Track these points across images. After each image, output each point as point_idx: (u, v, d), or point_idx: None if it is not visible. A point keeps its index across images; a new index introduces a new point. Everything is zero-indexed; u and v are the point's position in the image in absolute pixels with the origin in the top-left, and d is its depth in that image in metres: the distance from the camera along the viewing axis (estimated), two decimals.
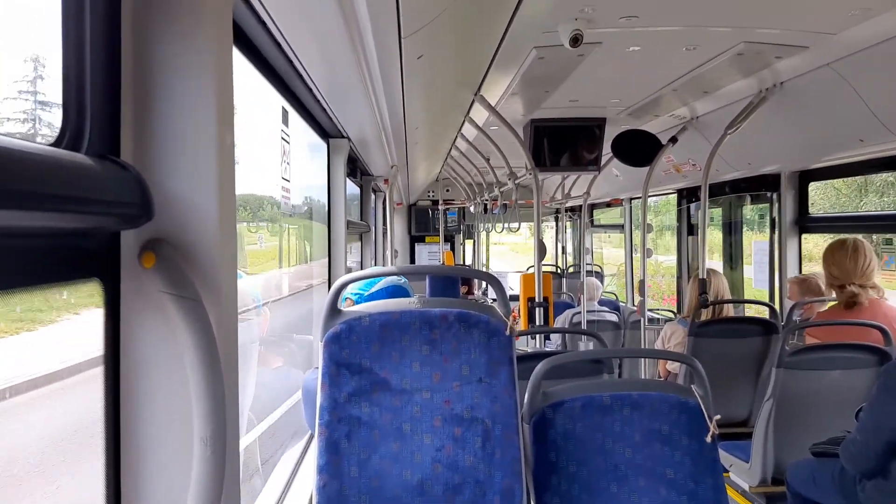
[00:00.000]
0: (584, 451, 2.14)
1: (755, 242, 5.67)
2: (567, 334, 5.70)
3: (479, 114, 4.36)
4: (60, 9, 0.97)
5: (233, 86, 1.21)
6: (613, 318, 6.87)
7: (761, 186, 5.19)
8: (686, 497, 2.12)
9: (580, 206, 7.80)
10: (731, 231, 6.23)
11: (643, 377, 5.19)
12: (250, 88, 2.34)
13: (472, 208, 10.26)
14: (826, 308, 3.94)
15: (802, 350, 3.43)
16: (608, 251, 11.21)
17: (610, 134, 4.80)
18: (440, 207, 10.68)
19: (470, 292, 8.52)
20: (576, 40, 2.59)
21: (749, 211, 6.11)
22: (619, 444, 2.15)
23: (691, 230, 6.63)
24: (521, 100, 4.12)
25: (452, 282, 7.28)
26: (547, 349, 4.58)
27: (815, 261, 5.67)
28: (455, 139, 5.80)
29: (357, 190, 5.58)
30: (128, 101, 1.07)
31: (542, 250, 4.38)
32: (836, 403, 3.27)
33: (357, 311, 2.08)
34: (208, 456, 1.03)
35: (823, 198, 7.33)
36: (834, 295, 3.72)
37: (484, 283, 9.14)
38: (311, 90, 2.70)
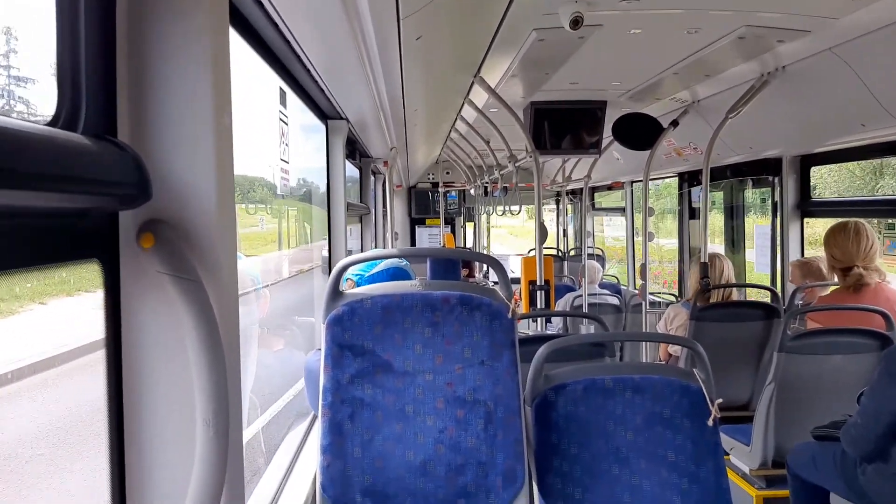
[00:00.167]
0: (586, 434, 2.15)
1: (757, 226, 5.66)
2: (568, 317, 5.71)
3: (479, 96, 4.33)
4: None
5: (230, 66, 1.20)
6: (615, 301, 6.88)
7: (763, 170, 5.17)
8: (687, 480, 2.12)
9: (581, 189, 7.78)
10: (733, 215, 6.21)
11: (645, 360, 5.21)
12: (247, 69, 2.32)
13: (472, 191, 10.23)
14: (828, 292, 3.93)
15: (804, 334, 3.43)
16: (610, 232, 11.19)
17: (611, 117, 4.78)
18: (440, 190, 10.65)
19: (471, 275, 8.52)
20: (576, 22, 2.57)
21: (751, 195, 6.09)
22: (620, 426, 2.16)
23: (693, 214, 6.61)
24: (521, 82, 4.09)
25: (454, 264, 7.28)
26: (548, 332, 4.58)
27: (821, 245, 5.65)
28: (455, 121, 5.77)
29: (356, 172, 5.56)
30: (124, 80, 1.06)
31: (543, 233, 4.37)
32: (837, 388, 3.27)
33: (359, 293, 2.08)
34: (211, 436, 1.03)
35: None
36: (836, 278, 3.72)
37: (485, 266, 9.15)
38: (308, 71, 2.68)
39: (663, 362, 4.54)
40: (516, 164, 5.70)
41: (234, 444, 1.09)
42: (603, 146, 5.06)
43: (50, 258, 0.96)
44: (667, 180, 7.67)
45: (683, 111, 4.69)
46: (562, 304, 6.63)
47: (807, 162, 4.87)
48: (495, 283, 2.18)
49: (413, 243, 11.00)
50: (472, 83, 3.93)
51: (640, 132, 4.77)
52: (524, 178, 7.32)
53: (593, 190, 9.74)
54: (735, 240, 6.22)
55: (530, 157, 4.38)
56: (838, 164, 5.24)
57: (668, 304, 6.14)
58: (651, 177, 5.07)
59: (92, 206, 0.99)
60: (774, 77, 3.58)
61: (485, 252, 10.55)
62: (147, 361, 1.10)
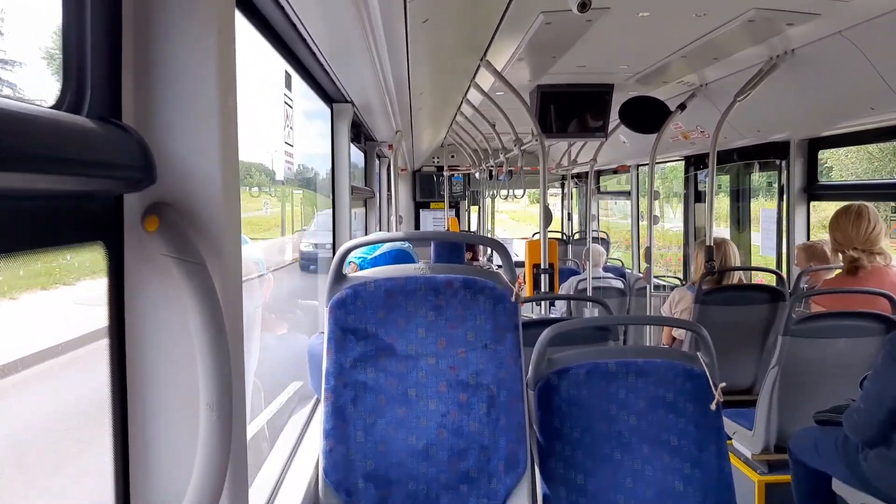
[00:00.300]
0: (589, 418, 2.15)
1: (763, 210, 5.64)
2: (572, 301, 5.71)
3: (485, 79, 4.31)
4: None
5: (235, 48, 1.19)
6: (619, 284, 6.87)
7: (770, 154, 5.15)
8: (689, 464, 2.13)
9: (586, 172, 7.75)
10: (739, 198, 6.19)
11: (648, 344, 5.21)
12: (251, 51, 2.31)
13: (477, 174, 10.22)
14: (833, 276, 3.93)
15: (809, 318, 3.42)
16: (611, 218, 11.16)
17: (618, 100, 4.75)
18: (445, 173, 10.63)
19: (475, 258, 8.52)
20: (584, 5, 2.55)
21: (757, 178, 6.07)
22: (623, 410, 2.16)
23: (699, 197, 6.59)
24: (528, 65, 4.07)
25: (458, 248, 7.27)
26: (552, 315, 4.58)
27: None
28: (460, 105, 5.75)
29: (361, 156, 5.55)
30: (129, 63, 1.06)
31: (548, 217, 4.36)
32: (841, 372, 3.27)
33: (362, 276, 2.08)
34: (214, 420, 1.03)
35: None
36: (840, 261, 3.71)
37: (489, 250, 9.15)
38: (314, 54, 2.67)
39: (667, 346, 4.54)
40: (522, 148, 5.68)
41: (237, 427, 1.10)
42: (609, 129, 5.03)
43: (54, 241, 0.96)
44: (673, 164, 7.65)
45: (691, 95, 4.66)
46: (566, 288, 6.63)
47: (814, 145, 4.84)
48: (499, 266, 2.18)
49: (417, 227, 11.00)
50: (479, 66, 3.91)
51: (647, 115, 4.74)
52: (529, 162, 7.30)
53: (599, 173, 9.72)
54: (741, 223, 6.21)
55: (536, 140, 4.36)
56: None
57: (672, 288, 6.14)
58: (657, 160, 5.04)
59: (96, 189, 0.99)
60: (783, 60, 3.55)
61: (489, 236, 10.55)
62: (151, 344, 1.10)
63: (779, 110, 4.25)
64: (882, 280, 3.50)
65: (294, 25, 2.26)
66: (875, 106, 3.42)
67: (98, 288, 1.09)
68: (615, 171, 9.15)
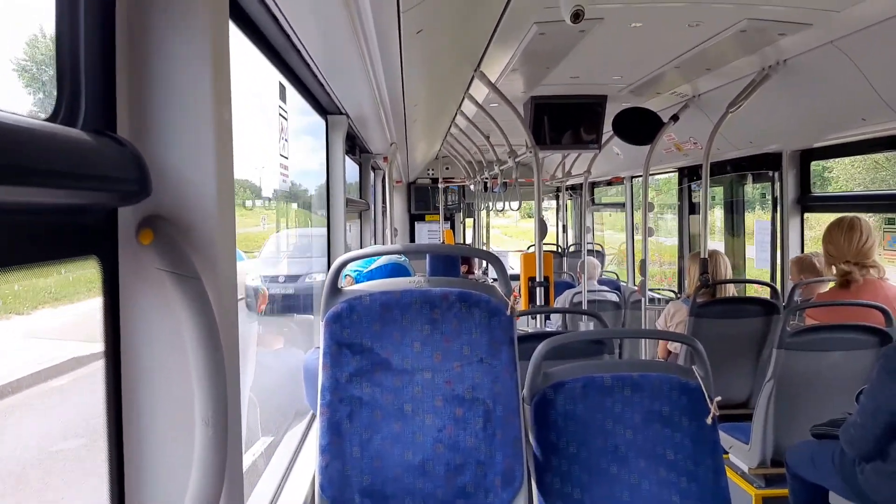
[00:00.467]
0: (585, 432, 2.14)
1: (757, 222, 5.65)
2: (567, 314, 5.70)
3: (479, 90, 4.32)
4: None
5: (230, 61, 1.19)
6: (614, 297, 6.86)
7: (763, 165, 5.16)
8: (686, 478, 2.12)
9: (581, 184, 7.77)
10: (733, 210, 6.21)
11: (644, 357, 5.20)
12: (245, 64, 2.31)
13: (472, 186, 10.22)
14: (827, 288, 3.93)
15: (803, 331, 3.42)
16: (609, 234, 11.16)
17: (611, 111, 4.77)
18: (440, 185, 10.64)
19: (470, 271, 8.52)
20: (577, 16, 2.56)
21: (751, 190, 6.09)
22: (619, 425, 2.15)
23: (693, 209, 6.61)
24: (522, 76, 4.08)
25: (453, 261, 7.26)
26: (547, 329, 4.58)
27: None
28: (455, 116, 5.76)
29: (356, 169, 5.55)
30: (123, 76, 1.05)
31: (543, 229, 4.36)
32: (836, 385, 3.27)
33: (357, 290, 2.07)
34: (210, 435, 1.02)
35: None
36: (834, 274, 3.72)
37: (484, 262, 9.14)
38: (308, 66, 2.67)
39: (663, 359, 4.54)
40: (516, 160, 5.69)
41: (233, 442, 1.09)
42: (603, 141, 5.05)
43: (49, 255, 0.96)
44: (667, 176, 7.66)
45: (684, 105, 4.68)
46: (561, 301, 6.62)
47: (807, 156, 4.86)
48: (494, 279, 2.18)
49: (412, 239, 11.00)
50: (473, 78, 3.92)
51: (640, 127, 4.76)
52: (524, 174, 7.32)
53: (593, 185, 9.74)
54: (735, 235, 6.22)
55: (530, 152, 4.37)
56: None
57: (667, 301, 6.14)
58: (651, 172, 5.05)
59: (91, 203, 0.99)
60: (775, 71, 3.57)
61: (484, 248, 10.55)
62: (146, 358, 1.09)
63: (771, 121, 4.27)
64: (875, 293, 3.50)
65: (288, 37, 2.26)
66: (866, 116, 3.44)
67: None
68: (609, 183, 9.17)
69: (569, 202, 10.96)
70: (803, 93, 3.68)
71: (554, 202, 11.67)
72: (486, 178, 9.08)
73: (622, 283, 8.35)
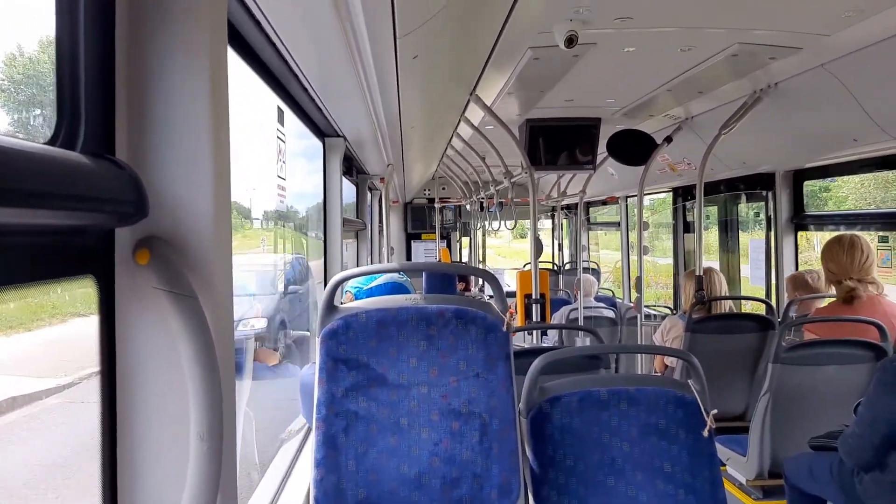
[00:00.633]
0: (582, 446, 2.15)
1: (752, 241, 5.68)
2: (564, 330, 5.71)
3: (475, 113, 4.36)
4: (54, 7, 0.97)
5: (227, 84, 1.21)
6: (610, 314, 6.87)
7: (756, 185, 5.20)
8: (683, 490, 2.13)
9: (576, 203, 7.81)
10: (727, 229, 6.24)
11: (639, 372, 5.21)
12: (241, 87, 2.34)
13: (468, 206, 10.26)
14: (825, 304, 3.95)
15: (798, 345, 3.45)
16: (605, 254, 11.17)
17: (605, 133, 4.81)
18: (436, 206, 10.68)
19: (467, 289, 8.53)
20: (571, 41, 2.60)
21: (745, 209, 6.12)
22: (616, 438, 2.16)
23: (687, 227, 6.64)
24: (517, 100, 4.12)
25: (449, 278, 7.29)
26: (544, 345, 4.59)
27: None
28: (451, 138, 5.80)
29: (353, 188, 5.58)
30: (122, 99, 1.07)
31: (538, 248, 4.39)
32: (831, 398, 3.30)
33: (354, 307, 2.09)
34: (205, 451, 1.03)
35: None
36: (833, 290, 3.74)
37: (481, 280, 9.16)
38: (306, 90, 2.70)
39: (660, 373, 4.55)
40: (512, 180, 5.73)
41: (227, 459, 1.10)
42: (598, 162, 5.08)
43: (45, 275, 0.97)
44: (662, 196, 7.70)
45: (677, 127, 4.72)
46: (557, 318, 6.63)
47: (800, 176, 4.90)
48: (491, 296, 2.20)
49: (409, 258, 11.02)
50: (468, 101, 3.96)
51: (634, 148, 4.80)
52: (520, 194, 7.36)
53: (588, 205, 9.78)
54: (730, 253, 6.25)
55: (526, 173, 4.40)
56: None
57: (662, 317, 6.16)
58: (646, 192, 5.09)
59: (89, 224, 1.00)
60: (767, 94, 3.61)
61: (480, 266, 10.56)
62: (142, 377, 1.11)
63: (763, 143, 4.31)
64: (874, 309, 3.53)
65: (286, 62, 2.29)
66: (858, 137, 3.48)
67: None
68: (604, 203, 9.21)
69: (564, 221, 11.00)
70: (795, 115, 3.72)
71: (549, 221, 11.70)
72: (482, 198, 9.12)
73: (618, 300, 8.37)
